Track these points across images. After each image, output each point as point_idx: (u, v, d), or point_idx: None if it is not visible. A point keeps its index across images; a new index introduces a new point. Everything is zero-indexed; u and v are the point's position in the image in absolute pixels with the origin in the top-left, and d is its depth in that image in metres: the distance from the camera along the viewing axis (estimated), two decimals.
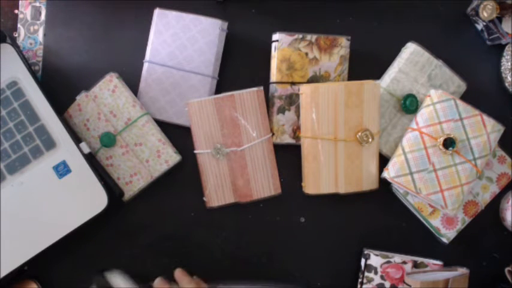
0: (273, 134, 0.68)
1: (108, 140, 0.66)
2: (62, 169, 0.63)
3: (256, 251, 0.69)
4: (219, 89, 0.70)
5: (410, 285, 0.64)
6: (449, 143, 0.64)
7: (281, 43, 0.68)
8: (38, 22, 0.72)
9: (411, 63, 0.69)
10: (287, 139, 0.69)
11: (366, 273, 0.67)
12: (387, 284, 0.67)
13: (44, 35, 0.72)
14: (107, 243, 0.69)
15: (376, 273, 0.67)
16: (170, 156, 0.66)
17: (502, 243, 0.71)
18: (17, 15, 0.72)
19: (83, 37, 0.71)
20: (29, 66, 0.65)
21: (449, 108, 0.65)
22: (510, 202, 0.70)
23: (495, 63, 0.73)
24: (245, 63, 0.71)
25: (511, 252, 0.71)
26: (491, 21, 0.70)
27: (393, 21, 0.73)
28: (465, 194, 0.65)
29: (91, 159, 0.64)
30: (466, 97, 0.69)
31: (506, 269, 0.68)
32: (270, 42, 0.69)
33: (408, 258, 0.67)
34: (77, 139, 0.64)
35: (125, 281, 0.62)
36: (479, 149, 0.65)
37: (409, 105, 0.68)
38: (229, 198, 0.67)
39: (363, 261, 0.68)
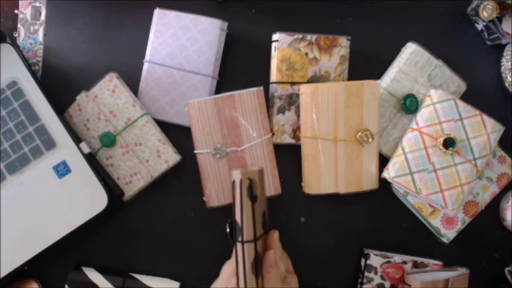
0: (273, 134, 0.68)
1: (108, 140, 0.66)
2: (62, 169, 0.63)
3: None
4: (219, 89, 0.70)
5: (410, 285, 0.64)
6: (449, 143, 0.64)
7: (281, 43, 0.68)
8: (38, 22, 0.72)
9: (411, 63, 0.69)
10: (287, 139, 0.69)
11: (366, 273, 0.67)
12: (387, 284, 0.67)
13: (44, 35, 0.72)
14: (107, 243, 0.69)
15: (376, 273, 0.67)
16: (170, 156, 0.67)
17: (502, 243, 0.71)
18: (17, 15, 0.72)
19: (83, 37, 0.71)
20: (29, 66, 0.65)
21: (449, 108, 0.65)
22: (510, 202, 0.70)
23: (495, 63, 0.73)
24: (245, 63, 0.71)
25: (511, 252, 0.71)
26: (491, 21, 0.70)
27: (393, 21, 0.73)
28: (465, 194, 0.65)
29: (91, 159, 0.64)
30: (466, 97, 0.69)
31: (506, 269, 0.68)
32: (270, 42, 0.69)
33: (408, 258, 0.68)
34: (77, 139, 0.64)
35: (102, 276, 0.64)
36: (479, 149, 0.65)
37: (409, 105, 0.68)
38: (229, 198, 0.67)
39: (363, 261, 0.68)
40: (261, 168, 0.55)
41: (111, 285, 0.64)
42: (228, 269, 0.54)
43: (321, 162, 0.66)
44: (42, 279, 0.68)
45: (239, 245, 0.49)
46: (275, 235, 0.54)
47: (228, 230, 0.51)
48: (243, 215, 0.49)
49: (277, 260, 0.52)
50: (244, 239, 0.49)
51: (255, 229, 0.49)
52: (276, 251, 0.52)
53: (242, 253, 0.49)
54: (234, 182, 0.50)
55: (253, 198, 0.49)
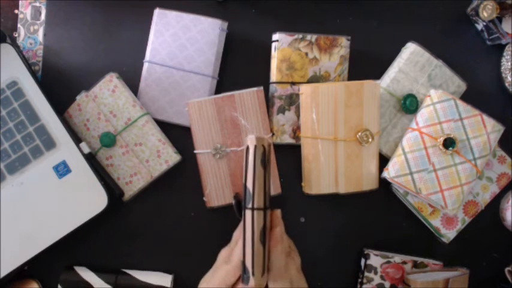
0: (273, 134, 0.68)
1: (108, 140, 0.66)
2: (62, 169, 0.63)
3: None
4: (219, 89, 0.70)
5: (410, 285, 0.64)
6: (449, 143, 0.64)
7: (281, 43, 0.68)
8: (38, 22, 0.72)
9: (411, 63, 0.69)
10: (287, 139, 0.69)
11: (366, 273, 0.67)
12: (387, 284, 0.67)
13: (44, 35, 0.72)
14: (107, 243, 0.69)
15: (376, 273, 0.67)
16: (170, 156, 0.66)
17: (502, 243, 0.71)
18: (17, 15, 0.72)
19: (83, 37, 0.71)
20: (29, 66, 0.65)
21: (449, 108, 0.65)
22: (510, 202, 0.70)
23: (495, 63, 0.73)
24: (245, 63, 0.71)
25: (511, 252, 0.71)
26: (491, 21, 0.70)
27: (393, 21, 0.73)
28: (465, 194, 0.65)
29: (91, 159, 0.64)
30: (466, 97, 0.69)
31: (506, 269, 0.68)
32: (270, 42, 0.69)
33: (408, 258, 0.68)
34: (77, 139, 0.64)
35: (95, 274, 0.64)
36: (479, 149, 0.65)
37: (409, 105, 0.68)
38: (229, 198, 0.67)
39: (362, 261, 0.68)
40: (270, 141, 0.54)
41: (104, 283, 0.64)
42: (222, 272, 0.54)
43: (321, 162, 0.66)
44: (42, 279, 0.68)
45: (249, 212, 0.48)
46: (278, 212, 0.55)
47: (234, 202, 0.50)
48: (255, 181, 0.48)
49: (283, 235, 0.53)
50: (255, 206, 0.48)
51: (266, 197, 0.48)
52: (281, 227, 0.54)
53: (252, 220, 0.48)
54: (247, 148, 0.48)
55: (265, 165, 0.48)
